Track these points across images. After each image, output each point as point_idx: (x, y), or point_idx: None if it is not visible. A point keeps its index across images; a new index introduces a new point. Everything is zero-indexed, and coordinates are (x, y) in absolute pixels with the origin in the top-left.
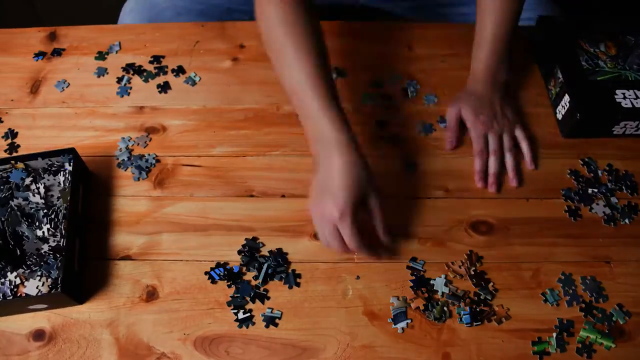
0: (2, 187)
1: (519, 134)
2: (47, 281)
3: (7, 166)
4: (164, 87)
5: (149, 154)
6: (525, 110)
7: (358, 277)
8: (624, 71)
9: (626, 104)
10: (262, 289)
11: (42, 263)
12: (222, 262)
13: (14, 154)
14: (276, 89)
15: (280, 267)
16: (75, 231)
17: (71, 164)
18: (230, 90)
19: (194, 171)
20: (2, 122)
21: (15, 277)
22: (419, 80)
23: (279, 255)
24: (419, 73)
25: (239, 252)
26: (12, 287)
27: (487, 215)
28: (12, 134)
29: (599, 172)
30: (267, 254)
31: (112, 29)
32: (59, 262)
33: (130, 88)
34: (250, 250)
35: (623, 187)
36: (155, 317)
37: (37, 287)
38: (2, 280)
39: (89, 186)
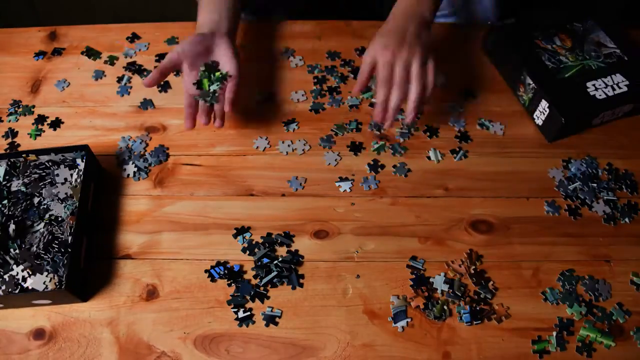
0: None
1: (428, 65)
2: (54, 277)
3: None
4: (164, 87)
5: (157, 153)
6: (501, 116)
7: (358, 276)
8: (586, 61)
9: (600, 95)
10: (262, 288)
11: (49, 259)
12: (222, 261)
13: (25, 149)
14: (276, 88)
15: (284, 273)
16: (83, 229)
17: (83, 160)
18: None
19: (194, 170)
20: (2, 121)
21: (23, 271)
22: None
23: (294, 257)
24: None
25: (250, 249)
26: (16, 280)
27: (487, 214)
28: (12, 133)
29: (599, 170)
30: (280, 255)
31: (112, 28)
32: (65, 259)
33: (131, 87)
34: (270, 246)
35: (623, 187)
36: (155, 316)
37: (44, 283)
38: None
39: (101, 184)
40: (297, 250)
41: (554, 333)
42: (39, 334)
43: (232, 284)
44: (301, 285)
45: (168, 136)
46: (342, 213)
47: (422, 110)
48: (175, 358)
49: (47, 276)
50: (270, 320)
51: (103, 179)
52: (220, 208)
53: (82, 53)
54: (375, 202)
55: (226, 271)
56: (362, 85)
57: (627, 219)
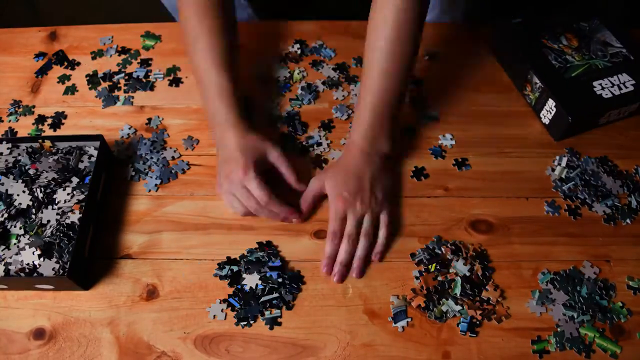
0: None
1: (382, 218)
2: (58, 262)
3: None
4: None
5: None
6: (505, 114)
7: None
8: (592, 60)
9: (606, 95)
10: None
11: (56, 245)
12: (223, 261)
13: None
14: (276, 88)
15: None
16: (90, 217)
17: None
18: None
19: (194, 170)
20: (2, 121)
21: (33, 254)
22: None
23: (294, 281)
24: (418, 72)
25: (246, 260)
26: (22, 266)
27: (487, 214)
28: (12, 133)
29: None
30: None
31: (112, 28)
32: (70, 246)
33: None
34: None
35: (624, 187)
36: (155, 315)
37: (52, 269)
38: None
39: (112, 176)
40: (299, 272)
41: (554, 333)
42: (39, 333)
43: (233, 284)
44: (290, 308)
45: (168, 136)
46: None
47: (369, 262)
48: (175, 358)
49: (55, 262)
50: (273, 322)
51: (113, 173)
52: (220, 208)
53: (119, 52)
54: None
55: (230, 272)
56: (304, 211)
57: (628, 221)
